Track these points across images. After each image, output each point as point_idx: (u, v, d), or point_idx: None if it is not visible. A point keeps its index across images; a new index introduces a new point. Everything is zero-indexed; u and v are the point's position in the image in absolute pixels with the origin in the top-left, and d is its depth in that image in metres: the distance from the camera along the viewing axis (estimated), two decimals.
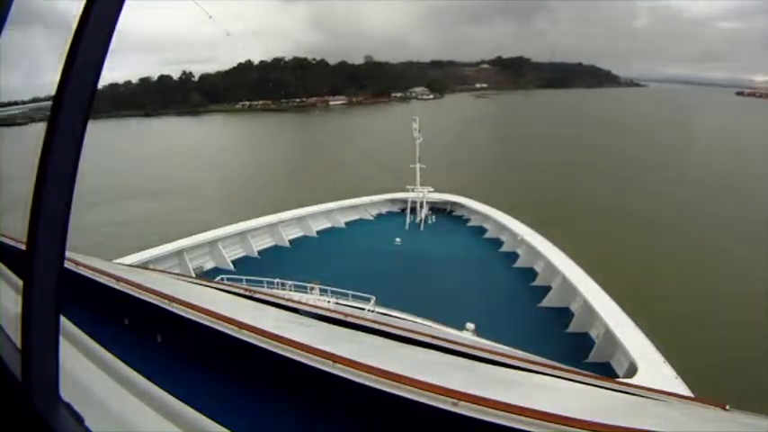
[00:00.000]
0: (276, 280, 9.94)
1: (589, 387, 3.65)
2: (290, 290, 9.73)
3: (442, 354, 3.95)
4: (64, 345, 1.45)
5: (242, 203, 28.24)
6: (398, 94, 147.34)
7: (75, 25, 1.14)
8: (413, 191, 17.97)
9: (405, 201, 18.27)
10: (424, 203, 17.99)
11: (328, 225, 17.61)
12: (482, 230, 17.04)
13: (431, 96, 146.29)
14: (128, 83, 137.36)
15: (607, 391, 3.63)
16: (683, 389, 6.61)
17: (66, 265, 3.38)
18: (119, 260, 10.56)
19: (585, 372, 4.54)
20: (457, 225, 18.15)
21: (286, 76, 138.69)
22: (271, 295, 7.26)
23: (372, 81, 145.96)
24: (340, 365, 2.61)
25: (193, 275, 12.50)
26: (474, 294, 11.70)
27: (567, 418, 2.09)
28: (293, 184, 33.83)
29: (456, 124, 77.67)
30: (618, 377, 7.85)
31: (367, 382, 2.49)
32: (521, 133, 66.96)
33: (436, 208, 18.95)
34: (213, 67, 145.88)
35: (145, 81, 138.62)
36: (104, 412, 1.65)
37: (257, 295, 6.41)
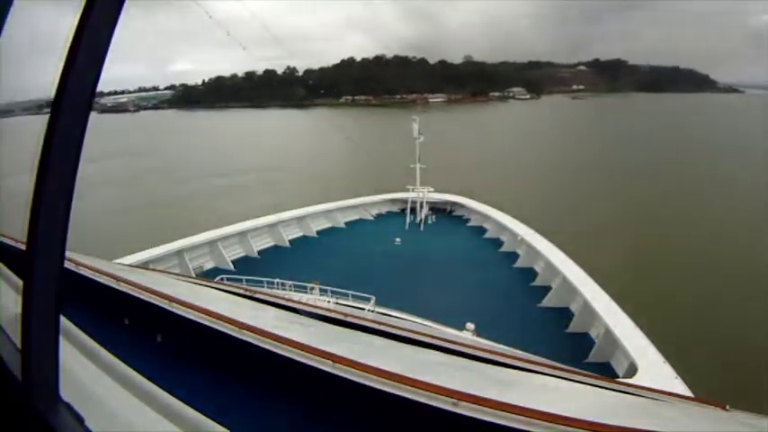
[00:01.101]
0: (276, 280, 9.94)
1: (589, 387, 3.65)
2: (290, 290, 9.73)
3: (442, 354, 3.95)
4: (64, 345, 1.45)
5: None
6: (496, 94, 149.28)
7: (75, 25, 1.14)
8: (413, 191, 17.98)
9: (405, 201, 18.27)
10: (424, 203, 17.99)
11: (328, 225, 17.61)
12: (482, 230, 17.04)
13: (527, 96, 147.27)
14: (234, 76, 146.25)
15: (607, 391, 3.63)
16: (683, 389, 6.61)
17: (67, 265, 3.38)
18: (119, 260, 10.56)
19: (585, 372, 4.54)
20: (457, 225, 18.15)
21: (387, 73, 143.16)
22: (271, 295, 7.27)
23: (471, 80, 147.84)
24: (340, 365, 2.61)
25: (193, 275, 12.50)
26: (474, 294, 11.69)
27: (567, 418, 2.09)
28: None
29: (556, 129, 74.58)
30: (618, 377, 7.85)
31: (367, 382, 2.49)
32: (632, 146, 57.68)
33: (436, 208, 18.95)
34: (316, 63, 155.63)
35: (250, 75, 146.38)
36: (104, 412, 1.65)
37: (257, 295, 6.42)
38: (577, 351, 9.30)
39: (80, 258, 4.37)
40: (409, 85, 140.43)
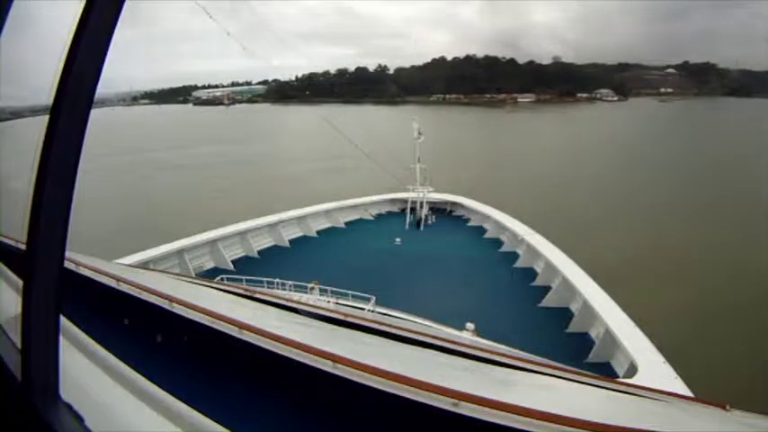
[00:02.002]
0: (276, 280, 9.94)
1: (589, 387, 3.65)
2: (290, 290, 9.73)
3: (442, 354, 3.95)
4: (64, 345, 1.45)
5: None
6: (584, 95, 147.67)
7: (75, 25, 1.14)
8: (413, 191, 17.97)
9: (405, 201, 18.26)
10: (424, 203, 17.98)
11: (328, 225, 17.61)
12: (482, 230, 17.04)
13: (615, 98, 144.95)
14: (326, 73, 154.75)
15: (607, 391, 3.62)
16: (683, 389, 6.61)
17: (67, 265, 3.37)
18: (119, 260, 10.56)
19: (585, 372, 4.55)
20: (457, 225, 18.14)
21: (477, 73, 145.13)
22: (271, 295, 7.27)
23: (559, 81, 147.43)
24: (340, 365, 2.61)
25: (193, 275, 12.50)
26: (474, 294, 11.69)
27: (567, 418, 2.09)
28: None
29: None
30: (618, 377, 7.85)
31: (367, 382, 2.49)
32: None
33: (436, 208, 18.95)
34: (405, 61, 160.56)
35: (342, 72, 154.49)
36: (104, 412, 1.64)
37: (257, 295, 6.42)
38: (577, 351, 9.30)
39: (80, 258, 4.37)
40: (499, 84, 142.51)
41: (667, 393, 4.19)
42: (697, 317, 13.82)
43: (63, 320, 1.54)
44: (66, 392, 1.39)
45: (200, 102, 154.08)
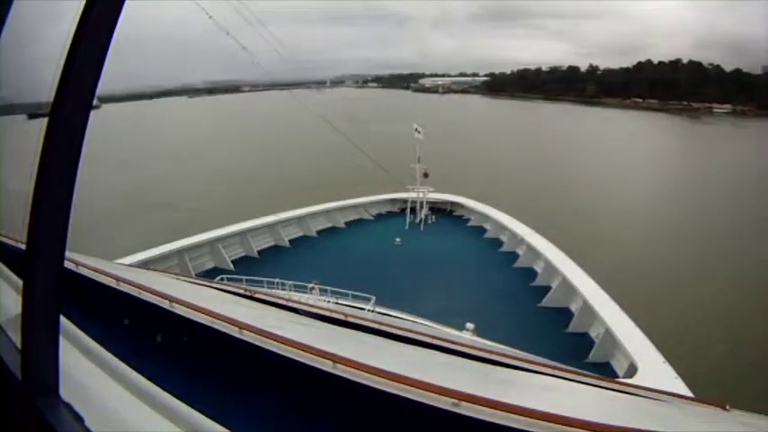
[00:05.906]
0: (276, 280, 9.94)
1: (589, 387, 3.65)
2: (290, 290, 9.73)
3: (442, 354, 3.96)
4: (64, 345, 1.45)
5: None
6: None
7: (75, 25, 1.14)
8: (413, 191, 17.97)
9: (405, 201, 18.27)
10: (424, 203, 17.99)
11: (328, 225, 17.61)
12: (482, 230, 17.05)
13: None
14: (538, 69, 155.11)
15: (607, 391, 3.63)
16: (683, 389, 6.61)
17: (67, 265, 3.37)
18: (119, 260, 10.56)
19: (585, 372, 4.56)
20: (457, 225, 18.14)
21: (679, 78, 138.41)
22: (271, 295, 7.28)
23: (763, 92, 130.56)
24: (340, 365, 2.61)
25: (193, 275, 12.50)
26: (474, 294, 11.69)
27: (567, 418, 2.09)
28: None
29: None
30: (618, 377, 7.85)
31: (367, 382, 2.49)
32: None
33: (436, 208, 18.94)
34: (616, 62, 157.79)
35: (554, 69, 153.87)
36: (104, 412, 1.64)
37: (257, 295, 6.43)
38: (577, 351, 9.31)
39: (80, 258, 4.36)
40: (698, 91, 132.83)
41: (667, 393, 4.20)
42: None
43: (63, 320, 1.53)
44: (66, 392, 1.39)
45: (418, 89, 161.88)
